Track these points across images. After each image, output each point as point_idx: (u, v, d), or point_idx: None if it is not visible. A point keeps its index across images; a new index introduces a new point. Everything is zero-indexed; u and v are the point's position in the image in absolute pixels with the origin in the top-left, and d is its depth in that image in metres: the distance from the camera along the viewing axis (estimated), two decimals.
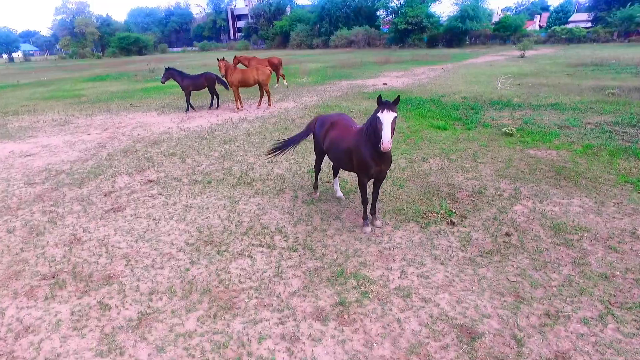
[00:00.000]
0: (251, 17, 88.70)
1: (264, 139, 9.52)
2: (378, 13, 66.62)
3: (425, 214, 5.31)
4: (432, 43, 53.85)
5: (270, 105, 13.66)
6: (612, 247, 4.36)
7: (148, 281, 4.07)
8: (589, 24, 59.25)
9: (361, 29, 58.37)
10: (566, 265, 4.07)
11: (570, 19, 74.70)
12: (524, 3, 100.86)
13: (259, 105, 13.83)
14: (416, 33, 52.80)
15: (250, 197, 6.10)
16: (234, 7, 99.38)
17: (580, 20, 69.01)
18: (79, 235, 5.12)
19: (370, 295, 3.70)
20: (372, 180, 4.80)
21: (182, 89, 13.36)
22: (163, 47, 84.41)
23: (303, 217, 5.35)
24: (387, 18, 65.28)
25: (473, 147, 8.23)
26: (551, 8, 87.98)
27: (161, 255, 4.54)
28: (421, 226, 4.99)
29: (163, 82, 13.32)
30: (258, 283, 3.96)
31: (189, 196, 6.23)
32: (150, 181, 6.98)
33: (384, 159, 4.42)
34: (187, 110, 13.42)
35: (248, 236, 4.90)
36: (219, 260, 4.40)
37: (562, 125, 9.67)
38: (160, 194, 6.37)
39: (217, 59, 13.53)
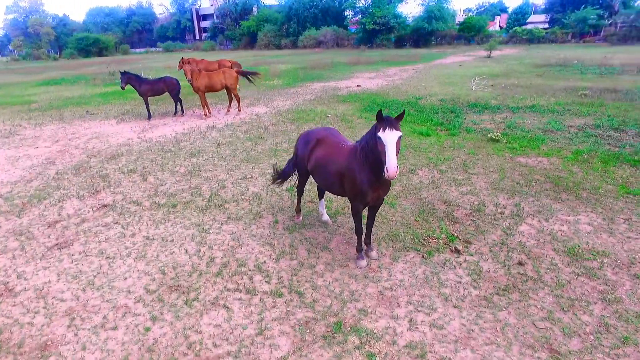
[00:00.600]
0: (217, 17, 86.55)
1: (235, 150, 8.69)
2: (345, 13, 66.46)
3: (424, 239, 4.70)
4: (399, 43, 54.14)
5: (240, 110, 12.79)
6: (638, 277, 3.89)
7: (96, 350, 3.22)
8: (547, 25, 61.37)
9: (329, 29, 57.92)
10: (596, 303, 3.54)
11: (528, 20, 77.32)
12: (483, 4, 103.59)
13: (228, 110, 12.92)
14: (384, 33, 52.88)
15: (222, 224, 5.30)
16: (199, 6, 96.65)
17: (538, 21, 71.39)
18: (11, 283, 4.17)
19: (377, 359, 3.02)
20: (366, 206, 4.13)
21: (140, 95, 12.26)
22: (125, 48, 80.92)
23: (286, 249, 4.62)
24: (354, 18, 65.25)
25: (461, 155, 7.74)
26: (509, 10, 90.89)
27: (114, 310, 3.69)
28: (423, 256, 4.37)
29: (123, 88, 12.15)
30: (237, 347, 3.20)
31: (150, 225, 5.35)
32: (105, 206, 6.03)
33: (383, 184, 3.76)
34: (149, 117, 12.35)
35: (222, 277, 4.12)
36: (187, 313, 3.60)
37: (546, 129, 9.38)
38: (116, 223, 5.45)
39: (181, 60, 12.59)
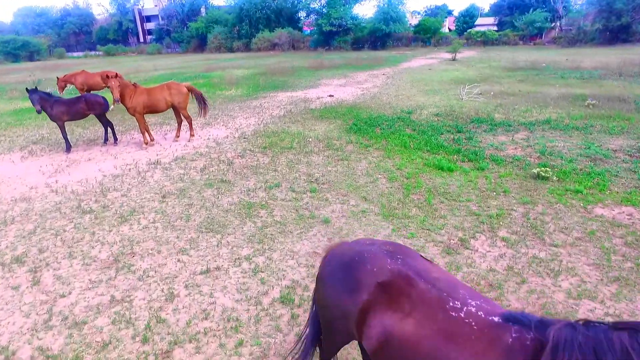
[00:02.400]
0: (162, 19, 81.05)
1: (189, 206, 5.99)
2: (299, 15, 64.11)
3: None
4: (357, 46, 52.52)
5: (192, 135, 9.95)
6: None
7: None
8: (495, 28, 62.38)
9: (284, 31, 55.26)
10: None
11: (476, 23, 78.90)
12: (430, 7, 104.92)
13: (177, 136, 10.04)
14: (341, 35, 51.01)
15: None
16: (142, 7, 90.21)
17: (486, 24, 72.79)
18: None
19: None
20: None
21: (52, 120, 9.13)
22: (60, 51, 73.69)
23: None
24: (308, 20, 63.14)
25: (515, 207, 5.54)
26: (454, 12, 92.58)
27: None
28: None
29: (39, 112, 8.91)
30: None
31: None
32: None
33: None
34: (68, 149, 9.24)
35: None
36: None
37: (591, 156, 7.47)
38: None
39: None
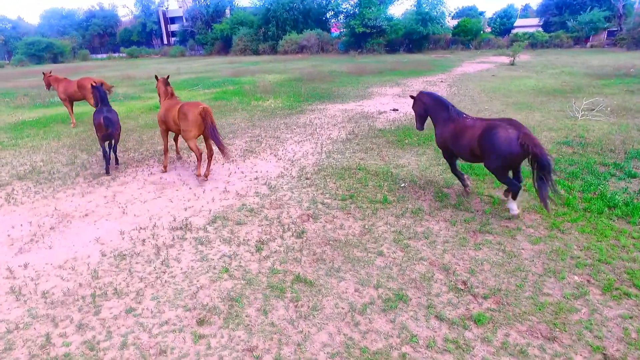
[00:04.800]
0: (186, 20, 79.53)
1: (249, 352, 3.04)
2: (328, 15, 61.23)
3: None
4: (391, 48, 49.27)
5: (206, 173, 6.99)
6: None
7: None
8: (540, 29, 57.94)
9: (313, 32, 52.47)
10: None
11: (515, 24, 74.42)
12: (457, 8, 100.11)
13: (204, 173, 7.07)
14: (374, 37, 47.85)
15: None
16: (166, 8, 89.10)
17: (528, 25, 68.28)
18: None
19: None
20: None
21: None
22: (84, 53, 73.17)
23: None
24: (334, 21, 60.30)
25: None
26: (485, 14, 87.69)
27: None
28: None
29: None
30: None
31: None
32: None
33: None
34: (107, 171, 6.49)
35: None
36: None
37: None
38: None
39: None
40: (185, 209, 5.80)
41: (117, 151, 7.87)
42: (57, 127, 11.82)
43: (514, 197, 5.02)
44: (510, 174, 5.16)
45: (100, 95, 7.37)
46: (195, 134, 6.61)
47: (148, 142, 9.67)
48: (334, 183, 6.59)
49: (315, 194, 6.15)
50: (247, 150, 8.72)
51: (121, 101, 16.59)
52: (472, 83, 18.48)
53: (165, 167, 7.38)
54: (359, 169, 7.19)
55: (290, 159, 8.02)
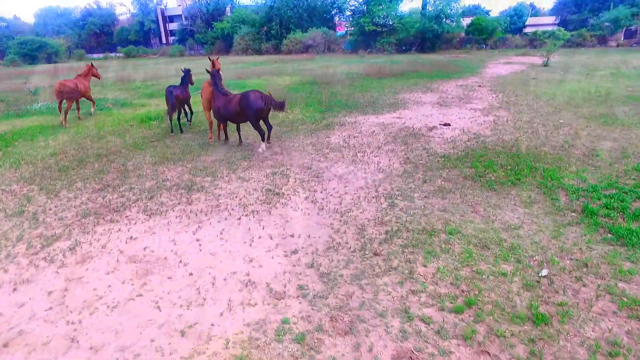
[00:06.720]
0: (185, 19, 76.89)
1: None
2: (333, 13, 58.67)
3: None
4: (402, 47, 46.72)
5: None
6: None
7: None
8: (559, 27, 55.37)
9: (319, 31, 49.89)
10: None
11: (527, 23, 71.89)
12: (465, 7, 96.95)
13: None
14: (385, 36, 45.27)
15: None
16: (165, 6, 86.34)
17: (542, 23, 65.64)
18: None
19: None
20: None
21: None
22: (80, 53, 70.65)
23: None
24: (340, 20, 57.87)
25: None
26: (491, 13, 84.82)
27: None
28: None
29: None
30: None
31: None
32: None
33: None
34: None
35: None
36: None
37: None
38: None
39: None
40: (183, 333, 3.25)
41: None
42: (21, 147, 9.27)
43: None
44: None
45: None
46: None
47: (134, 174, 7.10)
48: (425, 266, 4.04)
49: (405, 294, 3.60)
50: (270, 190, 6.17)
51: (109, 109, 14.01)
52: (517, 88, 15.92)
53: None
54: (451, 234, 4.64)
55: (337, 209, 5.46)
